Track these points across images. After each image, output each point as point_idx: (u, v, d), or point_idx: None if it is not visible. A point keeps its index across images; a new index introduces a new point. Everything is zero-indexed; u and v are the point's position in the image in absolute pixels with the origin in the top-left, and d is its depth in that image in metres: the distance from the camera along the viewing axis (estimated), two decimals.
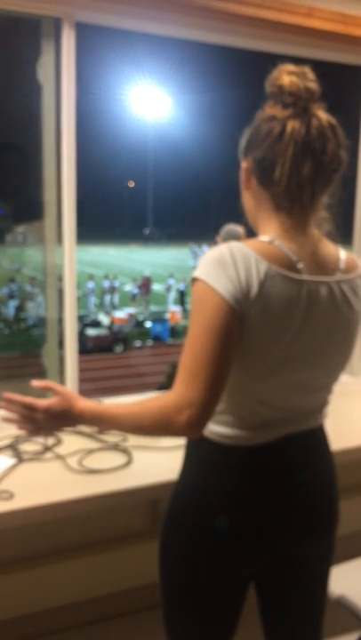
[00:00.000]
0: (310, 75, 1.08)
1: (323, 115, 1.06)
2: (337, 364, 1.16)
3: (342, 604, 1.54)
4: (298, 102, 1.05)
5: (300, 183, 1.05)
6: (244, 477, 1.13)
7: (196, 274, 1.03)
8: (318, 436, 1.23)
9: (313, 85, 1.07)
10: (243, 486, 1.13)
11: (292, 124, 1.04)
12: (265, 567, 1.20)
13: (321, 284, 1.07)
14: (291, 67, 1.08)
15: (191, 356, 1.02)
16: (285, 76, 1.06)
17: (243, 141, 1.14)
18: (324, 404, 1.21)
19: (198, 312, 1.02)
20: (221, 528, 1.12)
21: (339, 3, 2.10)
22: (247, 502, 1.13)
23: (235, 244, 1.03)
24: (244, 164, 1.14)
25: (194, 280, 1.03)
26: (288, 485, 1.15)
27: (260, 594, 1.30)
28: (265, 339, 1.03)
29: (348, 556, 1.69)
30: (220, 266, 1.00)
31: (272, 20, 2.00)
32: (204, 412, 1.01)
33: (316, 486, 1.19)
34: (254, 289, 1.00)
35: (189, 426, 1.01)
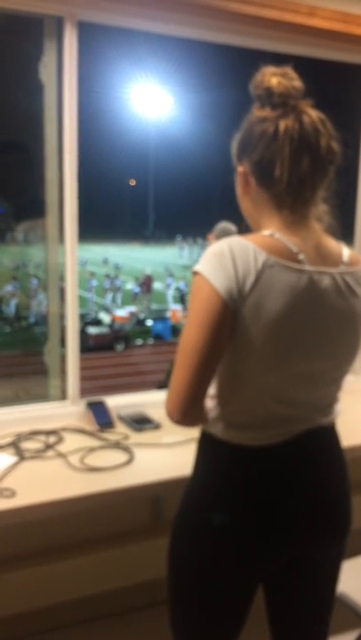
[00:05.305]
0: (292, 74, 1.10)
1: (312, 111, 1.08)
2: (345, 357, 1.16)
3: (343, 602, 1.54)
4: (287, 102, 1.07)
5: (301, 178, 1.07)
6: (254, 477, 1.12)
7: (196, 267, 1.05)
8: (331, 435, 1.21)
9: (298, 84, 1.09)
10: (252, 486, 1.11)
11: (284, 123, 1.06)
12: (275, 569, 1.19)
13: (324, 274, 1.07)
14: (273, 68, 1.10)
15: (181, 347, 1.05)
16: (271, 77, 1.08)
17: (235, 147, 1.15)
18: (333, 399, 1.20)
19: (192, 304, 1.05)
20: (229, 529, 1.11)
21: (341, 2, 2.11)
22: (257, 503, 1.11)
23: (235, 239, 1.04)
24: (240, 169, 1.13)
25: (194, 274, 1.06)
26: (301, 486, 1.13)
27: (268, 594, 1.29)
28: (265, 328, 1.02)
29: (349, 553, 1.69)
30: (218, 260, 1.02)
31: (274, 19, 2.00)
32: (188, 400, 1.06)
33: (330, 488, 1.18)
34: (251, 279, 1.01)
35: (177, 415, 1.07)
